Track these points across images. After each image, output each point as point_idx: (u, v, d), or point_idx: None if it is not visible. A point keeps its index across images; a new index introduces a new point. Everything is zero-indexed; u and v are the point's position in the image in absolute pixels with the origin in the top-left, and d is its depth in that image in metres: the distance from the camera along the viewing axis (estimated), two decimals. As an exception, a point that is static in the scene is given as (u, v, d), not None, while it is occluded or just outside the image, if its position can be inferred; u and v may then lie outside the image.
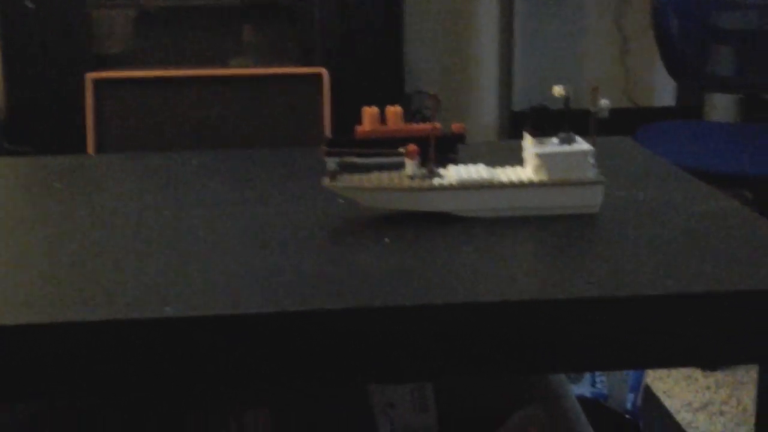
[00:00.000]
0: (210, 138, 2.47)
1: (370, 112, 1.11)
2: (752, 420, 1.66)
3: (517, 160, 0.96)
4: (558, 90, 0.92)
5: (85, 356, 0.69)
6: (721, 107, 2.72)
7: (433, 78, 3.07)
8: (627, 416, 1.07)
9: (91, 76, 2.43)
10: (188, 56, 2.73)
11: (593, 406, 1.03)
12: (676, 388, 1.81)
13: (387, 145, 1.07)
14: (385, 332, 0.72)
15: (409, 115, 2.92)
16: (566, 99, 0.92)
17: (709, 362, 0.75)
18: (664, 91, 2.98)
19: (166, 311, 0.70)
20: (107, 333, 0.69)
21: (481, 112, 3.04)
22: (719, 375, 1.86)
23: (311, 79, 2.49)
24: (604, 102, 0.91)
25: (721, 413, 1.73)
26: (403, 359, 0.72)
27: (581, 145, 0.92)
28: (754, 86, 2.14)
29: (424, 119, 2.90)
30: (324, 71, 2.48)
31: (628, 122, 2.39)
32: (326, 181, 0.90)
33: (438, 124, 1.11)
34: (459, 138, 1.14)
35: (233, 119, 2.49)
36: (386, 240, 0.85)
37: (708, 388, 1.81)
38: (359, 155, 1.06)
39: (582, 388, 1.08)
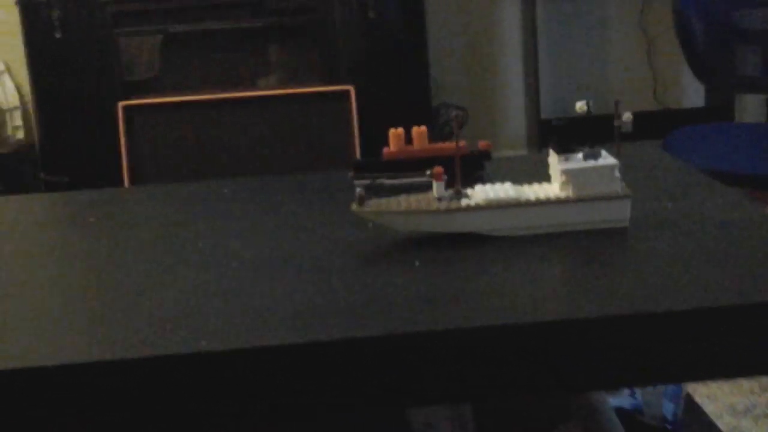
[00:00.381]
0: (241, 159, 2.50)
1: (395, 133, 1.12)
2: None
3: (545, 174, 0.97)
4: (580, 106, 0.92)
5: (121, 393, 0.70)
6: (751, 107, 2.70)
7: (459, 90, 3.08)
8: (667, 426, 1.06)
9: (122, 104, 2.47)
10: (216, 79, 2.76)
11: (632, 419, 1.03)
12: (718, 392, 1.80)
13: (413, 165, 1.08)
14: (420, 356, 0.72)
15: (438, 129, 2.93)
16: (588, 114, 0.92)
17: (746, 374, 0.75)
18: (693, 92, 2.96)
19: (202, 345, 0.71)
20: (145, 369, 0.70)
21: (510, 121, 3.04)
22: (763, 378, 1.84)
23: (339, 97, 2.51)
24: (627, 115, 0.91)
25: (766, 416, 1.71)
26: (439, 382, 0.73)
27: (606, 159, 0.92)
28: (783, 85, 2.12)
29: (451, 133, 2.90)
30: (351, 88, 2.50)
31: (657, 125, 2.38)
32: (355, 206, 0.91)
33: (463, 142, 1.11)
34: (485, 155, 1.14)
35: (263, 139, 2.52)
36: (416, 263, 0.86)
37: (752, 391, 1.80)
38: (387, 177, 1.07)
39: (622, 400, 1.08)
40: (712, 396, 1.79)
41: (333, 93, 2.52)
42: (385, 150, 1.12)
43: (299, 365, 0.71)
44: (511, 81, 3.07)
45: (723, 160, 1.75)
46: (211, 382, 0.71)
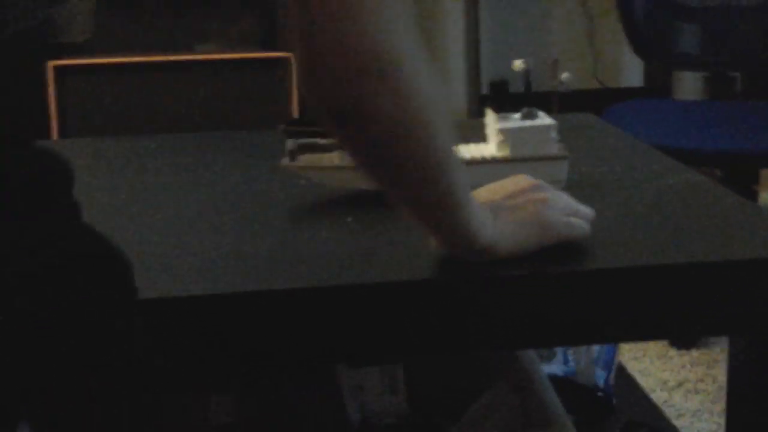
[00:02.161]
0: (175, 125, 2.44)
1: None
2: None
3: (482, 137, 0.95)
4: (518, 64, 0.90)
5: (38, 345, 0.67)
6: (688, 85, 2.72)
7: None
8: (599, 393, 1.06)
9: (52, 64, 2.39)
10: (153, 43, 2.69)
11: (565, 384, 1.02)
12: (650, 367, 1.81)
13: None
14: (349, 311, 0.70)
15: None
16: (527, 73, 0.90)
17: (679, 334, 0.74)
18: (632, 71, 2.98)
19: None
20: (70, 319, 0.67)
21: (449, 95, 3.02)
22: (694, 353, 1.86)
23: (279, 64, 2.47)
24: (565, 75, 0.90)
25: (697, 391, 1.73)
26: (369, 338, 0.71)
27: (544, 119, 0.91)
28: (720, 64, 2.14)
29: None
30: (291, 55, 2.45)
31: (596, 103, 2.39)
32: (285, 161, 0.88)
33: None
34: (423, 116, 1.12)
35: (199, 106, 2.47)
36: (349, 219, 0.84)
37: (683, 366, 1.81)
38: (321, 136, 1.04)
39: (554, 367, 1.07)
40: (644, 371, 1.80)
41: (273, 60, 2.48)
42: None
43: (225, 316, 0.69)
44: (452, 55, 3.05)
45: (660, 135, 1.75)
46: (135, 331, 0.68)
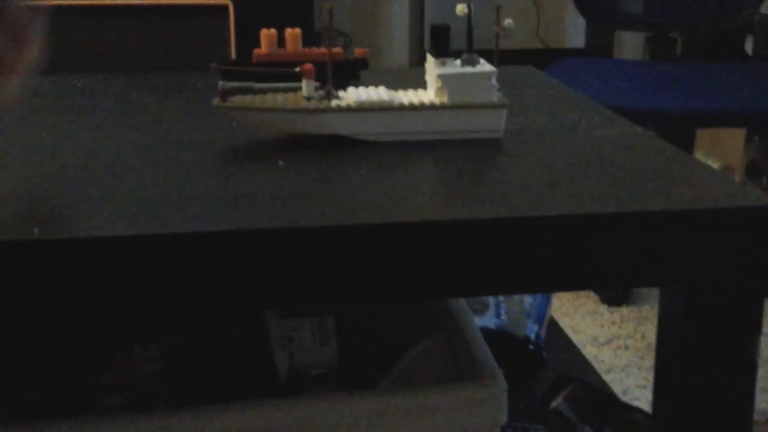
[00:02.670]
0: (111, 69, 2.37)
1: (267, 34, 1.06)
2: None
3: (422, 85, 0.93)
4: (461, 8, 0.88)
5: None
6: (629, 47, 2.73)
7: (343, 15, 3.01)
8: (530, 347, 1.06)
9: (-20, 4, 2.30)
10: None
11: (496, 337, 1.01)
12: (581, 323, 1.83)
13: (285, 68, 1.02)
14: (279, 256, 0.68)
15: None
16: (468, 17, 0.88)
17: (611, 284, 0.73)
18: (575, 33, 2.98)
19: (35, 233, 0.65)
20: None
21: (393, 50, 3.00)
22: (624, 310, 1.88)
23: (217, 12, 2.41)
24: (508, 21, 0.87)
25: (626, 347, 1.75)
26: (298, 283, 0.69)
27: (484, 66, 0.89)
28: (662, 24, 2.14)
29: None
30: (229, 3, 2.40)
31: (539, 63, 2.38)
32: (217, 101, 0.85)
33: (339, 50, 1.06)
34: (361, 63, 1.10)
35: (136, 51, 2.40)
36: (280, 163, 0.81)
37: (613, 323, 1.83)
38: (255, 78, 1.01)
39: (486, 320, 1.06)
40: (575, 327, 1.81)
41: (211, 7, 2.42)
42: (256, 51, 1.06)
43: (150, 259, 0.66)
44: (396, 12, 3.02)
45: (598, 93, 1.75)
46: (46, 275, 0.65)
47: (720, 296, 0.74)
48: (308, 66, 0.87)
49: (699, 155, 2.40)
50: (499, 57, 0.90)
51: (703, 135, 2.35)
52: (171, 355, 0.88)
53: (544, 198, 0.73)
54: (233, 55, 2.37)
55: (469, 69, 0.88)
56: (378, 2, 2.99)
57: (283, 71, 0.90)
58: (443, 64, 0.89)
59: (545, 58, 2.70)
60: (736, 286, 0.73)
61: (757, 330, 0.74)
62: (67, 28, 2.37)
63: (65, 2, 2.38)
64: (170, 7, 2.43)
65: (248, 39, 2.37)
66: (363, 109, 0.86)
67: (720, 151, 2.42)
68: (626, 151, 0.86)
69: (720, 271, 0.72)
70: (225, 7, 2.40)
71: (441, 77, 0.88)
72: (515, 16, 3.01)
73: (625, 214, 0.71)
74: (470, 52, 0.90)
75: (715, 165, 2.42)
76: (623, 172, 0.80)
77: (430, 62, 0.90)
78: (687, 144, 2.03)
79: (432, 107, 0.87)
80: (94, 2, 2.41)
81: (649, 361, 1.69)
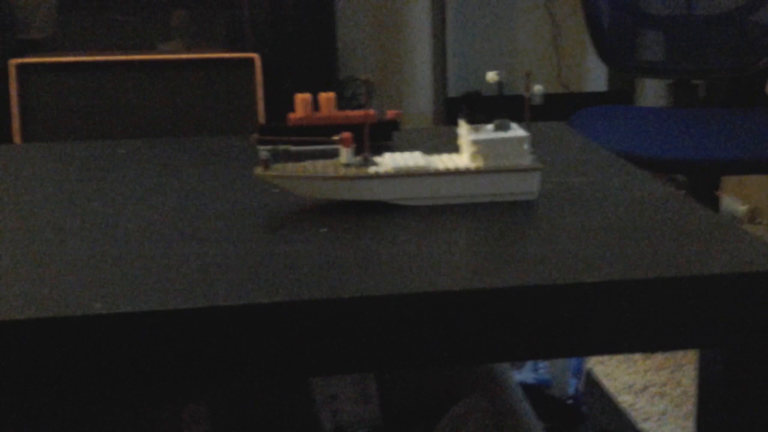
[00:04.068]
0: (139, 125, 2.42)
1: (302, 98, 1.09)
2: (691, 401, 1.68)
3: (453, 146, 0.95)
4: (491, 76, 0.91)
5: (16, 356, 0.66)
6: (651, 92, 2.76)
7: (367, 64, 3.05)
8: (569, 401, 1.07)
9: (14, 62, 2.36)
10: (116, 41, 2.67)
11: (536, 392, 1.03)
12: (617, 371, 1.83)
13: (320, 132, 1.05)
14: (324, 324, 0.70)
15: (344, 102, 2.90)
16: (500, 85, 0.91)
17: (648, 349, 0.75)
18: (596, 77, 3.01)
19: (96, 308, 0.67)
20: (35, 331, 0.66)
21: (416, 98, 3.03)
22: (659, 357, 1.88)
23: (243, 65, 2.45)
24: (537, 87, 0.90)
25: (662, 395, 1.75)
26: (343, 351, 0.71)
27: (517, 131, 0.91)
28: (683, 71, 2.17)
29: (359, 106, 2.88)
30: (256, 56, 2.44)
31: (561, 108, 2.40)
32: (259, 170, 0.88)
33: (372, 111, 1.09)
34: (394, 124, 1.13)
35: (163, 106, 2.44)
36: (322, 230, 0.83)
37: (648, 370, 1.84)
38: (292, 143, 1.04)
39: (524, 374, 1.08)
40: (610, 375, 1.82)
41: (237, 60, 2.46)
42: (291, 115, 1.09)
43: (199, 330, 0.68)
44: (419, 58, 3.06)
45: (624, 142, 1.77)
46: (105, 347, 0.67)
47: (757, 357, 0.75)
48: (346, 134, 0.90)
49: (726, 198, 2.41)
50: (527, 109, 0.93)
51: (729, 178, 2.36)
52: (218, 416, 0.90)
53: (579, 264, 0.75)
54: (261, 105, 2.41)
55: (502, 134, 0.91)
56: (401, 48, 3.03)
57: (322, 139, 0.93)
58: (477, 129, 0.91)
59: (567, 102, 2.72)
60: (773, 347, 0.74)
61: (795, 391, 0.75)
62: (92, 84, 2.42)
63: (90, 58, 2.44)
64: (197, 61, 2.48)
65: (275, 89, 2.42)
66: (400, 175, 0.89)
67: (746, 193, 2.43)
68: (659, 212, 0.88)
69: (756, 332, 0.73)
70: (251, 60, 2.45)
71: (475, 143, 0.90)
72: (536, 60, 3.04)
73: (661, 279, 0.72)
74: (502, 117, 0.92)
75: (742, 208, 2.42)
76: (656, 236, 0.81)
77: (464, 128, 0.93)
78: (713, 187, 2.04)
79: (468, 172, 0.89)
80: (122, 57, 2.46)
81: (686, 409, 1.69)
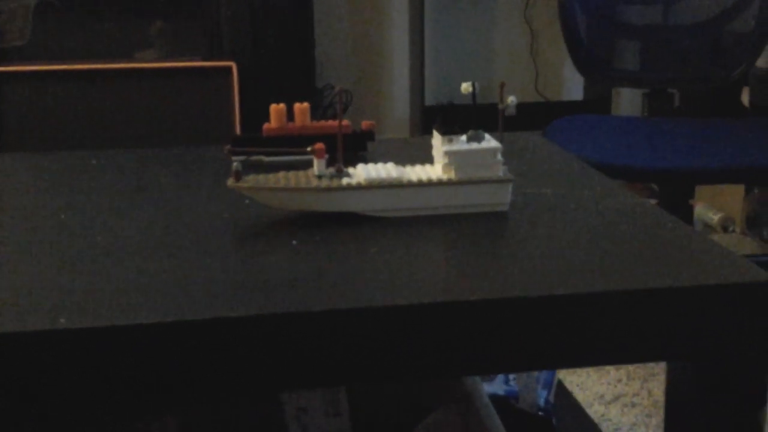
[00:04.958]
0: (116, 132, 2.41)
1: (276, 109, 1.09)
2: (663, 411, 1.69)
3: (428, 157, 0.95)
4: (465, 87, 0.91)
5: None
6: (627, 101, 2.77)
7: (344, 73, 3.05)
8: (540, 413, 1.07)
9: (-12, 70, 2.35)
10: (92, 50, 2.65)
11: (506, 405, 1.03)
12: (588, 381, 1.84)
13: (295, 143, 1.05)
14: (294, 338, 0.70)
15: (321, 111, 2.89)
16: (473, 96, 0.91)
17: (618, 361, 0.75)
18: (573, 86, 3.02)
19: (61, 323, 0.67)
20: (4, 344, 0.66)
21: (393, 107, 3.04)
22: (630, 367, 1.89)
23: (220, 73, 2.45)
24: (511, 99, 0.90)
25: (633, 405, 1.75)
26: (314, 365, 0.71)
27: (490, 142, 0.91)
28: (659, 80, 2.18)
29: (336, 115, 2.87)
30: (233, 65, 2.44)
31: (537, 116, 2.41)
32: (231, 182, 0.87)
33: (347, 122, 1.09)
34: (368, 135, 1.12)
35: (139, 114, 2.44)
36: (294, 242, 0.83)
37: (619, 380, 1.84)
38: (266, 154, 1.04)
39: (495, 386, 1.08)
40: (582, 385, 1.82)
41: (214, 69, 2.46)
42: (265, 126, 1.09)
43: (167, 345, 0.68)
44: (396, 67, 3.06)
45: (600, 151, 1.78)
46: (70, 361, 0.67)
47: (726, 370, 0.75)
48: (319, 145, 0.89)
49: (699, 207, 2.43)
50: (501, 121, 0.93)
51: (703, 187, 2.37)
52: (187, 429, 0.90)
53: (550, 277, 0.75)
54: (237, 113, 2.41)
55: (475, 145, 0.91)
56: (379, 56, 3.03)
57: (295, 150, 0.92)
58: (450, 141, 0.91)
59: (544, 111, 2.73)
60: (741, 359, 0.75)
61: (762, 402, 0.76)
62: (69, 92, 2.41)
63: (66, 67, 2.42)
64: (174, 69, 2.47)
65: (252, 98, 2.41)
66: (373, 186, 0.88)
67: (720, 202, 2.45)
68: (629, 224, 0.88)
69: (725, 345, 0.74)
70: (228, 68, 2.44)
71: (448, 154, 0.90)
72: (514, 69, 3.05)
73: (631, 292, 0.73)
74: (476, 128, 0.92)
75: (715, 217, 2.44)
76: (627, 248, 0.82)
77: (437, 138, 0.93)
78: (687, 196, 2.05)
79: (440, 183, 0.89)
80: (99, 66, 2.45)
81: (657, 419, 1.70)
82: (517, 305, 0.72)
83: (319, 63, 2.85)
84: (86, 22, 2.68)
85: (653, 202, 1.91)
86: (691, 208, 1.95)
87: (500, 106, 0.91)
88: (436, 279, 0.77)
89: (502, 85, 0.92)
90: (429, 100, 2.91)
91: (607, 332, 0.72)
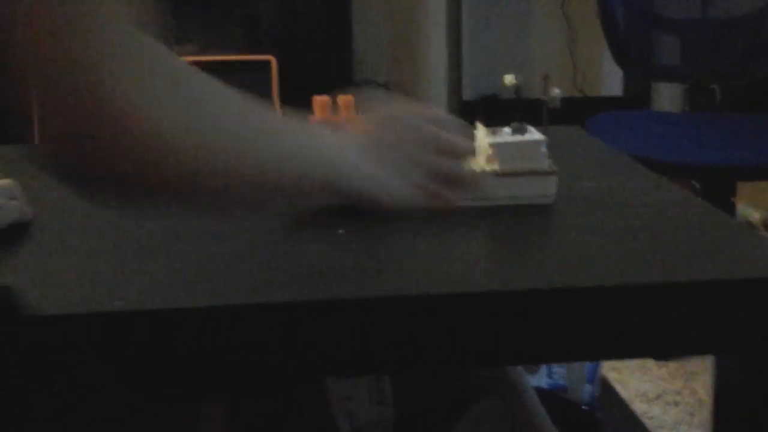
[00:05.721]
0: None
1: (321, 101, 1.10)
2: (706, 410, 1.68)
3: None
4: (509, 79, 0.91)
5: (37, 352, 0.67)
6: (667, 96, 2.75)
7: (382, 67, 3.06)
8: (584, 407, 1.07)
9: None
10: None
11: (550, 397, 1.03)
12: (630, 378, 1.83)
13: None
14: (339, 325, 0.70)
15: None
16: (517, 88, 0.91)
17: (664, 354, 0.75)
18: (612, 81, 3.01)
19: (118, 305, 0.68)
20: (54, 327, 0.67)
21: (431, 101, 3.04)
22: (672, 365, 1.88)
23: (259, 67, 2.46)
24: (555, 91, 0.90)
25: (676, 403, 1.75)
26: (358, 353, 0.71)
27: (534, 134, 0.92)
28: (699, 75, 2.16)
29: (373, 108, 2.88)
30: (272, 58, 2.45)
31: (576, 112, 2.40)
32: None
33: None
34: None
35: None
36: (340, 231, 0.84)
37: (662, 378, 1.83)
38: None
39: (539, 379, 1.08)
40: (624, 382, 1.82)
41: (253, 62, 2.47)
42: (310, 118, 1.09)
43: (215, 329, 0.69)
44: (433, 61, 3.06)
45: (638, 146, 1.77)
46: (124, 343, 0.68)
47: (773, 363, 0.75)
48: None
49: (741, 205, 2.41)
50: (545, 113, 0.93)
51: (744, 184, 2.35)
52: (234, 416, 0.91)
53: (596, 268, 0.76)
54: (277, 107, 2.42)
55: (519, 137, 0.91)
56: (416, 50, 3.03)
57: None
58: (494, 132, 0.91)
59: (583, 106, 2.72)
60: (789, 352, 0.74)
61: (811, 396, 0.75)
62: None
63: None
64: (213, 63, 2.49)
65: (291, 91, 2.42)
66: (418, 178, 0.89)
67: (762, 200, 2.42)
68: (674, 217, 0.88)
69: (772, 338, 0.73)
70: (268, 62, 2.45)
71: (492, 146, 0.90)
72: (552, 64, 3.04)
73: (678, 284, 0.73)
74: (519, 120, 0.93)
75: (756, 215, 2.42)
76: (673, 240, 0.82)
77: (481, 131, 0.93)
78: (729, 193, 2.04)
79: (484, 175, 0.90)
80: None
81: (699, 418, 1.69)
82: (561, 295, 0.72)
83: (356, 57, 2.86)
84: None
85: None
86: (733, 206, 1.93)
87: (544, 98, 0.91)
88: (480, 269, 0.78)
89: (547, 78, 0.92)
90: (466, 95, 2.91)
91: (654, 325, 0.72)
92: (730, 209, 1.93)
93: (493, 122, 0.92)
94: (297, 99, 1.14)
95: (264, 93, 2.47)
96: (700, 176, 1.86)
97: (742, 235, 0.82)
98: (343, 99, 1.09)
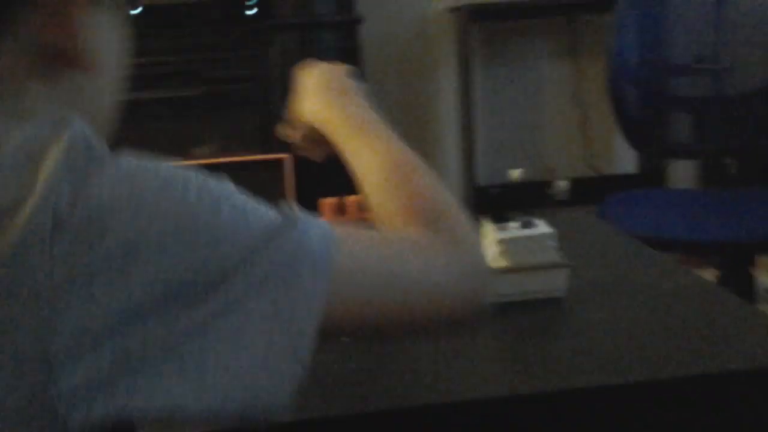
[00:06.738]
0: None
1: (328, 203, 1.10)
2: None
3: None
4: (515, 174, 0.91)
5: None
6: (682, 172, 2.74)
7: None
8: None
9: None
10: (150, 148, 2.72)
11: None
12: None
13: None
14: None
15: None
16: (524, 183, 0.91)
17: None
18: (626, 159, 3.00)
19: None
20: None
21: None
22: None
23: (273, 166, 2.48)
24: (560, 184, 0.90)
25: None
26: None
27: (542, 228, 0.91)
28: (713, 151, 2.16)
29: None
30: (286, 156, 2.48)
31: (591, 191, 2.39)
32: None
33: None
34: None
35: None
36: (344, 339, 0.83)
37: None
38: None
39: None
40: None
41: (267, 162, 2.50)
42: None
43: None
44: (447, 146, 3.08)
45: (656, 226, 1.76)
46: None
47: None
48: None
49: (761, 275, 2.37)
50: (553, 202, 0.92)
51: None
52: None
53: (610, 365, 0.74)
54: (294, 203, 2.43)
55: (527, 232, 0.90)
56: (429, 136, 3.06)
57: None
58: (502, 228, 0.91)
59: (597, 185, 2.72)
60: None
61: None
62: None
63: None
64: (227, 164, 2.52)
65: (307, 188, 2.43)
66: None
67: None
68: (690, 305, 0.86)
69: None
70: (281, 161, 2.48)
71: (502, 241, 0.90)
72: (565, 144, 3.04)
73: (688, 378, 0.71)
74: (527, 214, 0.92)
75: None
76: (685, 331, 0.80)
77: (489, 227, 0.92)
78: (748, 264, 2.01)
79: (493, 271, 0.89)
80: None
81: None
82: (575, 396, 0.71)
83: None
84: (145, 121, 2.76)
85: (714, 272, 1.87)
86: (751, 278, 1.91)
87: (550, 192, 0.91)
88: (491, 373, 0.76)
89: (552, 172, 0.92)
90: (480, 180, 2.91)
91: (668, 418, 0.71)
92: (750, 280, 1.90)
93: (503, 213, 0.92)
94: (312, 195, 1.15)
95: (279, 191, 2.49)
96: (719, 253, 1.84)
97: (758, 321, 0.80)
98: (350, 200, 1.09)
